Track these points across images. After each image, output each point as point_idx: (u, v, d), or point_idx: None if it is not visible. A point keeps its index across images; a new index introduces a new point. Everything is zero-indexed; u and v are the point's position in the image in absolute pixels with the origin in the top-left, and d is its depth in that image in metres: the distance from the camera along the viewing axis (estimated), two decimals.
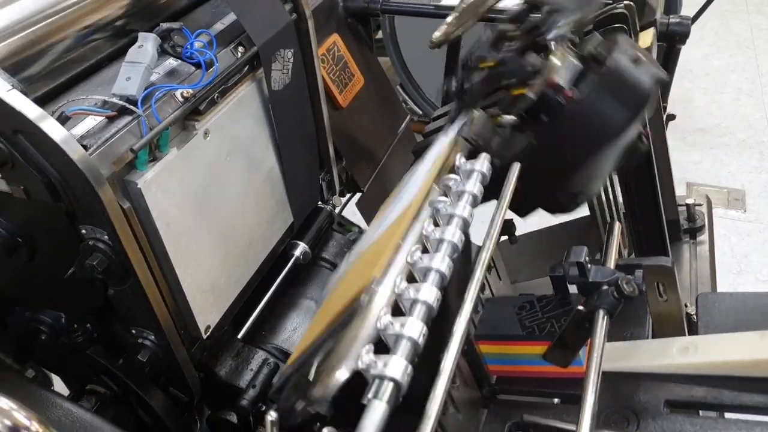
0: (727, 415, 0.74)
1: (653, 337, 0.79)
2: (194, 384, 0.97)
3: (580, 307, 0.67)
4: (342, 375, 0.53)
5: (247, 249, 1.02)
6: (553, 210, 0.87)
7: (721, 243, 2.42)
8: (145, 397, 0.97)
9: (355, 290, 0.59)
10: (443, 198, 0.70)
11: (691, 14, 2.60)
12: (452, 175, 0.72)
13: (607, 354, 0.73)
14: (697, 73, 3.50)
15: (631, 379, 0.72)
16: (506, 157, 0.78)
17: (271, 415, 0.59)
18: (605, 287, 0.66)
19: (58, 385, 1.14)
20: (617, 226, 0.79)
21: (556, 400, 0.80)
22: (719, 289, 2.25)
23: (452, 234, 0.64)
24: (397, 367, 0.53)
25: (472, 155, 0.76)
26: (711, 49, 3.72)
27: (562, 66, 0.76)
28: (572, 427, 0.62)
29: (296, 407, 0.60)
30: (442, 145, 0.77)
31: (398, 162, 1.54)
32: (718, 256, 2.35)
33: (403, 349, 0.55)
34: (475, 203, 0.70)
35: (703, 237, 1.44)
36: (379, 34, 2.70)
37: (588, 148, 0.76)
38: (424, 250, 0.64)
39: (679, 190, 2.74)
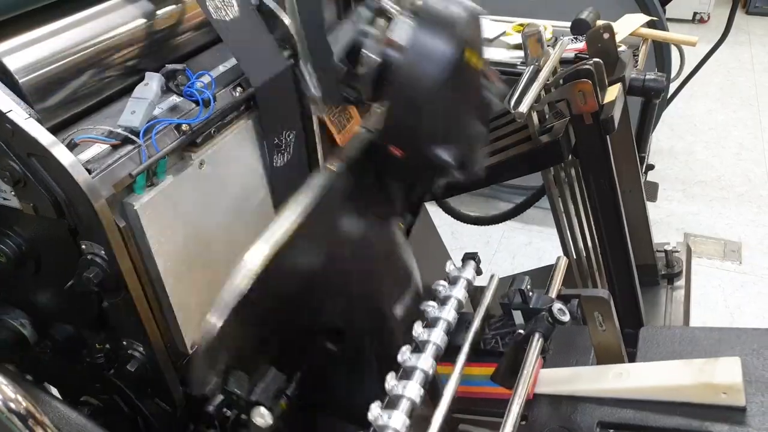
0: None
1: (596, 363, 0.85)
2: (178, 397, 1.03)
3: (521, 331, 0.74)
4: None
5: None
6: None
7: (715, 293, 2.45)
8: (131, 407, 1.04)
9: None
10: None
11: (691, 70, 2.70)
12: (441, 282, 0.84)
13: (551, 378, 0.79)
14: (700, 128, 3.58)
15: (570, 401, 0.77)
16: (377, 133, 0.84)
17: None
18: (543, 313, 0.73)
19: None
20: (563, 260, 0.86)
21: None
22: None
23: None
24: None
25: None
26: (715, 104, 3.81)
27: (395, 25, 0.80)
28: None
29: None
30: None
31: None
32: (711, 306, 2.39)
33: None
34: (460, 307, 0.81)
35: (680, 282, 1.48)
36: None
37: (428, 92, 0.78)
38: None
39: (677, 240, 2.79)
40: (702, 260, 2.60)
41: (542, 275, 1.48)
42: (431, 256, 1.71)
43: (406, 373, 0.75)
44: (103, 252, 0.86)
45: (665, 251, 1.53)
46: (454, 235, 2.79)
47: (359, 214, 0.91)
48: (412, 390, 0.72)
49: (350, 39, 0.83)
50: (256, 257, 0.71)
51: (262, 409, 0.79)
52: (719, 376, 0.71)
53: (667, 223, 2.84)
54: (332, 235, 0.86)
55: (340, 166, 0.86)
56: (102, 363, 1.05)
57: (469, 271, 0.86)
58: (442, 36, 0.78)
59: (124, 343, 0.98)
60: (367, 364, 0.92)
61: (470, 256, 0.90)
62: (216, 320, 0.68)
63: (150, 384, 1.02)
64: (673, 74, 2.49)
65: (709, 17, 4.79)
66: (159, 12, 1.02)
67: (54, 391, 1.23)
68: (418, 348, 0.77)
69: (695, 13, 4.82)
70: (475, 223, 1.68)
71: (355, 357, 0.92)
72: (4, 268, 0.93)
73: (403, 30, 0.79)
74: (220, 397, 0.85)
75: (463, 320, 0.83)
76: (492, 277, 0.86)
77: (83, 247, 0.87)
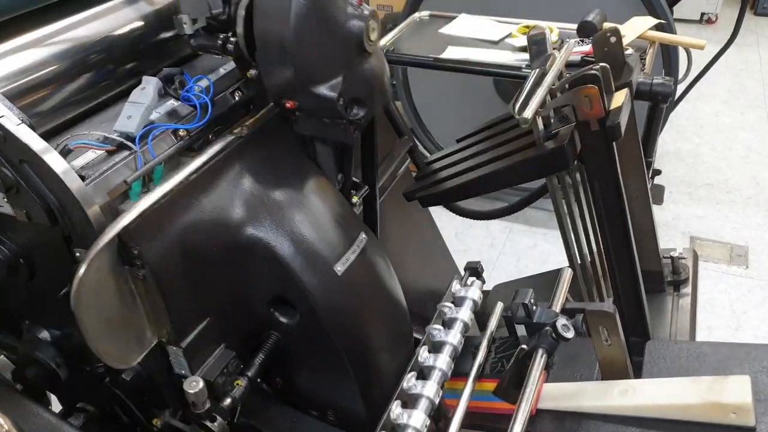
0: None
1: (601, 378, 0.82)
2: (174, 405, 1.02)
3: (524, 346, 0.72)
4: None
5: None
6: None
7: (721, 298, 2.42)
8: (128, 416, 1.03)
9: None
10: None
11: (698, 71, 2.67)
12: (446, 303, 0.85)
13: (555, 393, 0.77)
14: (707, 129, 3.55)
15: (574, 417, 0.75)
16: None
17: None
18: (547, 328, 0.71)
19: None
20: (567, 272, 0.83)
21: None
22: None
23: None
24: None
25: None
26: (723, 106, 3.77)
27: None
28: None
29: None
30: None
31: (395, 202, 1.60)
32: (717, 311, 2.36)
33: None
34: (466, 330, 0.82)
35: (687, 289, 1.46)
36: (393, 81, 2.81)
37: (285, 28, 0.81)
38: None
39: (683, 244, 2.77)
40: (708, 264, 2.57)
41: (547, 280, 1.46)
42: (434, 259, 1.70)
43: (411, 401, 0.73)
44: None
45: (671, 258, 1.50)
46: (458, 236, 2.77)
47: (280, 177, 0.93)
48: (418, 419, 0.71)
49: None
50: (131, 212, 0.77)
51: (198, 379, 0.81)
52: (728, 395, 0.69)
53: (672, 226, 2.81)
54: (244, 199, 0.89)
55: (242, 131, 0.91)
56: (101, 372, 1.03)
57: (474, 291, 0.85)
58: None
59: None
60: (326, 343, 0.91)
61: (473, 268, 0.88)
62: (82, 269, 0.72)
63: (146, 393, 1.01)
64: (680, 76, 2.46)
65: (716, 18, 4.75)
66: (156, 14, 1.01)
67: (53, 399, 1.22)
68: (423, 374, 0.76)
69: (703, 14, 4.77)
70: (472, 218, 1.66)
71: (315, 333, 0.91)
72: None
73: None
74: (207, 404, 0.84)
75: (468, 343, 0.81)
76: (497, 303, 0.85)
77: (77, 254, 0.85)
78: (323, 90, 0.86)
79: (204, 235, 0.85)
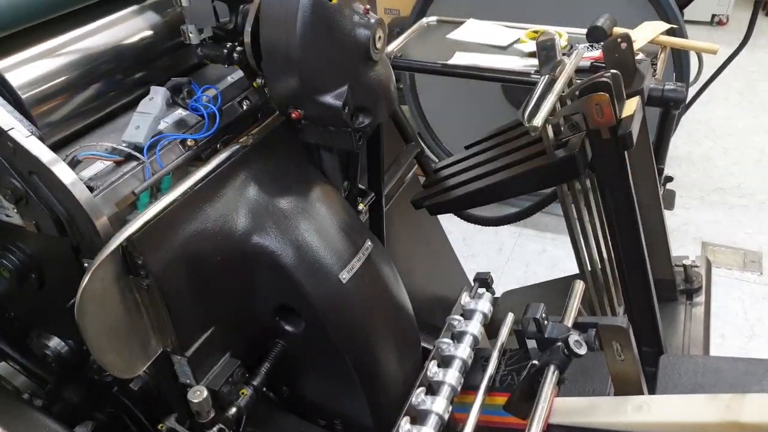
0: None
1: (614, 393, 0.81)
2: (181, 414, 1.01)
3: (535, 362, 0.71)
4: None
5: None
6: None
7: (734, 305, 2.39)
8: (136, 424, 1.03)
9: None
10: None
11: (709, 74, 2.65)
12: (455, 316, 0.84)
13: (567, 408, 0.76)
14: (719, 133, 3.51)
15: None
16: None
17: None
18: (558, 344, 0.70)
19: None
20: (579, 285, 0.82)
21: None
22: (729, 353, 2.22)
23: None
24: None
25: None
26: (735, 109, 3.73)
27: None
28: None
29: None
30: None
31: (403, 209, 1.59)
32: (731, 319, 2.33)
33: None
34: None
35: (700, 298, 1.44)
36: (400, 85, 2.80)
37: (289, 37, 0.81)
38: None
39: (695, 250, 2.73)
40: (721, 271, 2.53)
41: (557, 288, 1.45)
42: (442, 266, 1.69)
43: (419, 417, 0.72)
44: None
45: (684, 266, 1.48)
46: (465, 241, 2.76)
47: (286, 185, 0.93)
48: None
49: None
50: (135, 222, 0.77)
51: (202, 389, 0.81)
52: (747, 414, 0.67)
53: (684, 231, 2.78)
54: (250, 207, 0.88)
55: (248, 140, 0.91)
56: (109, 381, 1.03)
57: (484, 304, 0.84)
58: None
59: None
60: (332, 352, 0.91)
61: (483, 279, 0.87)
62: (86, 280, 0.72)
63: (154, 402, 1.01)
64: (691, 78, 2.43)
65: (728, 20, 4.70)
66: (164, 24, 1.00)
67: None
68: (432, 389, 0.75)
69: (714, 15, 4.73)
70: (481, 224, 1.64)
71: (321, 341, 0.90)
72: (7, 283, 0.92)
73: None
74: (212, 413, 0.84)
75: (478, 356, 0.80)
76: (508, 313, 0.83)
77: (86, 265, 0.85)
78: (329, 99, 0.86)
79: (208, 243, 0.84)
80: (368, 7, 0.88)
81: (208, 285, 0.86)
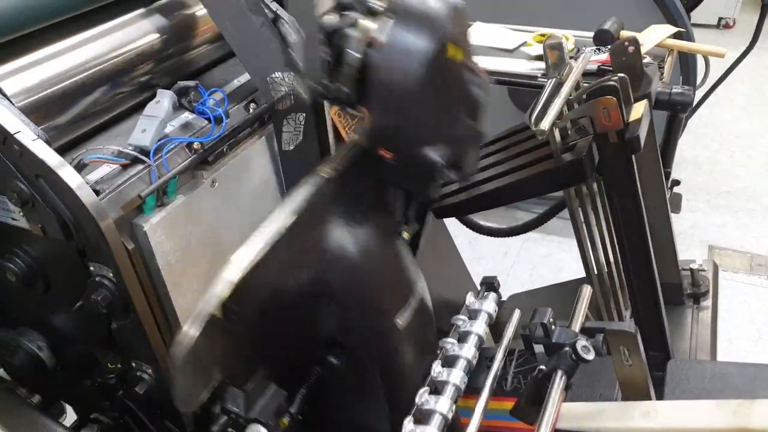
0: None
1: (621, 399, 0.81)
2: (187, 419, 1.01)
3: (542, 367, 0.71)
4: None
5: None
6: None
7: (741, 309, 2.38)
8: (141, 428, 1.03)
9: None
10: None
11: (717, 77, 2.64)
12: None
13: (574, 413, 0.75)
14: (726, 136, 3.50)
15: None
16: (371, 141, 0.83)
17: None
18: (566, 349, 0.70)
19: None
20: (587, 290, 0.82)
21: None
22: (735, 356, 2.20)
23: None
24: None
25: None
26: (741, 112, 3.72)
27: (376, 25, 0.78)
28: None
29: None
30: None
31: None
32: (737, 323, 2.32)
33: None
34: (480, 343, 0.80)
35: (707, 302, 1.43)
36: None
37: (408, 88, 0.76)
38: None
39: (701, 253, 2.72)
40: (727, 274, 2.52)
41: (563, 292, 1.44)
42: (449, 270, 1.68)
43: (423, 417, 0.71)
44: (111, 274, 0.84)
45: (691, 270, 1.48)
46: (471, 245, 2.75)
47: (355, 221, 0.88)
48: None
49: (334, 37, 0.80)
50: (236, 266, 0.69)
51: (259, 427, 0.77)
52: (756, 420, 0.66)
53: (690, 234, 2.77)
54: (323, 243, 0.83)
55: (330, 172, 0.84)
56: (114, 384, 1.03)
57: (490, 304, 0.83)
58: (420, 31, 0.75)
59: (134, 364, 0.97)
60: (371, 384, 0.90)
61: (489, 283, 0.86)
62: (193, 331, 0.65)
63: (159, 406, 1.01)
64: (698, 82, 2.43)
65: (734, 22, 4.69)
66: (171, 27, 1.01)
67: (68, 409, 1.22)
68: (437, 389, 0.74)
69: (720, 19, 4.72)
70: (490, 235, 1.64)
71: (361, 374, 0.90)
72: (13, 286, 0.92)
73: (383, 27, 0.77)
74: (224, 418, 0.83)
75: (483, 356, 0.79)
76: (514, 311, 0.83)
77: (92, 268, 0.86)
78: (430, 153, 0.82)
79: (288, 282, 0.81)
80: (481, 66, 0.86)
81: (278, 321, 0.84)
